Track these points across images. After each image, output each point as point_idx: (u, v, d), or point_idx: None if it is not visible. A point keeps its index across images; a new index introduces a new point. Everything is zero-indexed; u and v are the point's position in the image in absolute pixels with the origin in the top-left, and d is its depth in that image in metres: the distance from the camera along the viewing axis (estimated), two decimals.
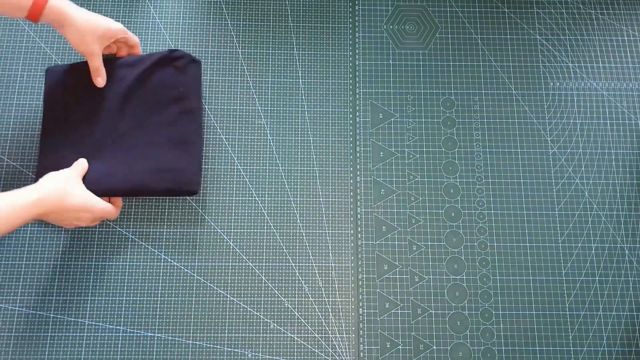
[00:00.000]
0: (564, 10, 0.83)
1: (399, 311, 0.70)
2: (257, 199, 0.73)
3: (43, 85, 0.75)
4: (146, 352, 0.67)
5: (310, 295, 0.70)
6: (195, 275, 0.70)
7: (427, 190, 0.74)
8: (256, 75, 0.78)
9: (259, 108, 0.77)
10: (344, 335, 0.69)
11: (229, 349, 0.68)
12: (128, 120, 0.71)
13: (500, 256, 0.72)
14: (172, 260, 0.71)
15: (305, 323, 0.69)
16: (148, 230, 0.72)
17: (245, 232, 0.72)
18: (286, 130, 0.76)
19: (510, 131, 0.77)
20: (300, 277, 0.71)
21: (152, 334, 0.68)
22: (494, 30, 0.81)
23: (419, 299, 0.71)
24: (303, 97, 0.77)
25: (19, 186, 0.72)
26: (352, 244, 0.72)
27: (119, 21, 0.79)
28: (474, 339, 0.69)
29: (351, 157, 0.75)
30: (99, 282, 0.70)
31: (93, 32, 0.67)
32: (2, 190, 0.72)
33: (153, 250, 0.71)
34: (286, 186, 0.74)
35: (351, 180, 0.75)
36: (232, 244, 0.72)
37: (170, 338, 0.68)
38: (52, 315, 0.68)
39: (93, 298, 0.69)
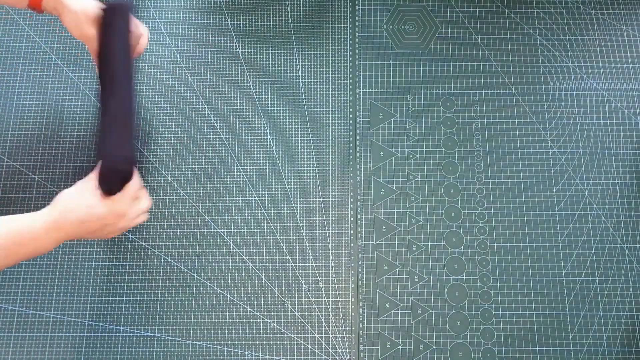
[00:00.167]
0: (564, 10, 0.83)
1: (399, 311, 0.70)
2: (257, 199, 0.73)
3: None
4: (146, 352, 0.67)
5: (310, 295, 0.70)
6: (195, 275, 0.70)
7: (427, 190, 0.74)
8: (256, 75, 0.78)
9: (259, 108, 0.77)
10: (344, 335, 0.69)
11: (229, 349, 0.68)
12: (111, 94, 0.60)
13: (500, 256, 0.72)
14: (172, 260, 0.71)
15: (305, 323, 0.69)
16: (148, 230, 0.72)
17: (245, 232, 0.72)
18: (286, 130, 0.76)
19: (510, 131, 0.77)
20: (300, 277, 0.71)
21: (152, 334, 0.68)
22: (494, 30, 0.81)
23: (419, 299, 0.71)
24: (303, 97, 0.77)
25: (19, 186, 0.72)
26: (352, 244, 0.72)
27: None
28: (474, 339, 0.69)
29: (351, 157, 0.75)
30: (99, 282, 0.70)
31: (86, 15, 0.62)
32: (2, 190, 0.72)
33: (153, 250, 0.71)
34: (286, 186, 0.74)
35: (351, 180, 0.75)
36: (232, 244, 0.72)
37: (170, 338, 0.68)
38: (52, 315, 0.68)
39: (93, 298, 0.69)
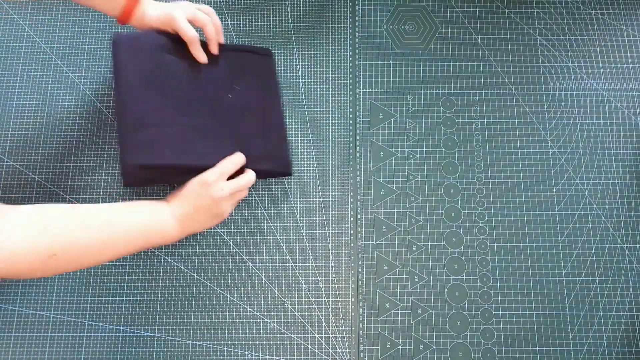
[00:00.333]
0: (564, 10, 0.83)
1: (399, 311, 0.70)
2: (257, 199, 0.73)
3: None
4: (146, 352, 0.67)
5: (310, 295, 0.70)
6: (195, 275, 0.70)
7: (427, 190, 0.74)
8: None
9: None
10: (344, 335, 0.69)
11: (229, 349, 0.68)
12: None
13: (500, 256, 0.72)
14: (172, 260, 0.71)
15: (305, 323, 0.69)
16: None
17: (245, 232, 0.72)
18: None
19: (510, 131, 0.77)
20: (300, 277, 0.71)
21: (152, 334, 0.68)
22: (494, 30, 0.81)
23: (419, 299, 0.71)
24: (303, 97, 0.77)
25: (19, 186, 0.72)
26: (352, 244, 0.72)
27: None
28: (474, 339, 0.69)
29: (351, 157, 0.75)
30: (99, 282, 0.70)
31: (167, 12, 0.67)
32: (2, 190, 0.72)
33: (153, 250, 0.71)
34: (286, 186, 0.74)
35: (351, 180, 0.75)
36: (232, 244, 0.72)
37: (170, 338, 0.68)
38: (52, 315, 0.68)
39: (93, 298, 0.69)
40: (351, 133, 0.76)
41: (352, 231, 0.73)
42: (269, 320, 0.69)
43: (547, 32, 0.81)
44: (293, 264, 0.71)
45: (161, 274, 0.70)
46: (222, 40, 0.73)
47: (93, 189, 0.72)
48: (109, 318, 0.68)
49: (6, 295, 0.68)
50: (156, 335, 0.68)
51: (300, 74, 0.78)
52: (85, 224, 0.54)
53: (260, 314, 0.69)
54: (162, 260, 0.71)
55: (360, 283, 0.71)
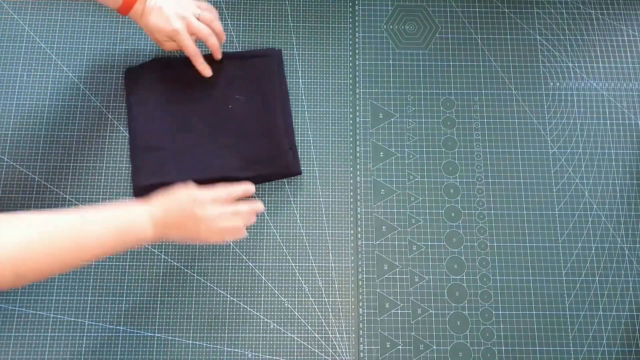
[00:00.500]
0: (564, 10, 0.83)
1: (399, 311, 0.70)
2: (257, 199, 0.73)
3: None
4: (146, 352, 0.67)
5: (310, 295, 0.70)
6: (195, 275, 0.70)
7: (427, 190, 0.74)
8: None
9: None
10: (344, 335, 0.69)
11: (229, 349, 0.68)
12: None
13: (500, 256, 0.72)
14: (172, 260, 0.71)
15: (305, 323, 0.69)
16: None
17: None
18: None
19: (510, 131, 0.77)
20: (300, 277, 0.71)
21: (152, 334, 0.68)
22: (494, 30, 0.81)
23: (419, 299, 0.71)
24: (303, 97, 0.77)
25: (19, 186, 0.72)
26: (352, 244, 0.72)
27: (118, 21, 0.79)
28: (474, 339, 0.69)
29: (351, 157, 0.75)
30: (99, 282, 0.70)
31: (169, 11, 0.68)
32: (2, 190, 0.72)
33: (153, 250, 0.71)
34: (286, 186, 0.74)
35: (351, 180, 0.75)
36: (232, 244, 0.72)
37: (170, 338, 0.68)
38: (52, 315, 0.68)
39: (93, 298, 0.69)
40: (351, 133, 0.76)
41: (352, 231, 0.73)
42: (269, 320, 0.69)
43: (547, 32, 0.81)
44: (293, 264, 0.71)
45: (161, 274, 0.70)
46: (224, 39, 0.75)
47: (93, 189, 0.72)
48: (109, 318, 0.68)
49: (6, 295, 0.68)
50: (156, 335, 0.68)
51: (300, 74, 0.78)
52: (49, 234, 0.51)
53: (260, 314, 0.69)
54: (162, 260, 0.71)
55: (360, 283, 0.71)
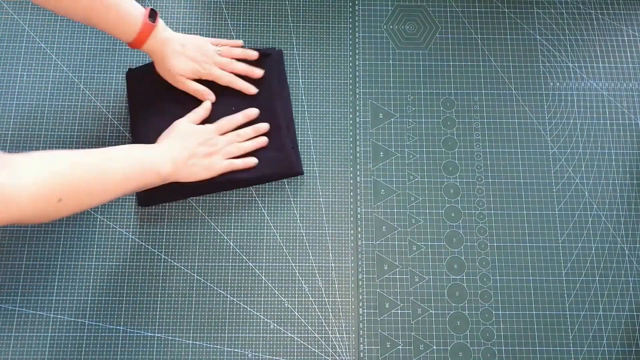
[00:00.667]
0: (564, 10, 0.83)
1: (399, 311, 0.70)
2: (257, 199, 0.73)
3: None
4: (146, 352, 0.67)
5: (310, 295, 0.70)
6: (195, 275, 0.70)
7: (427, 190, 0.74)
8: None
9: None
10: (344, 335, 0.69)
11: (229, 349, 0.68)
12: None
13: (500, 256, 0.72)
14: (172, 260, 0.71)
15: (305, 323, 0.69)
16: (148, 230, 0.72)
17: (245, 232, 0.72)
18: None
19: (510, 131, 0.77)
20: (300, 277, 0.71)
21: (152, 334, 0.68)
22: (494, 30, 0.81)
23: (419, 299, 0.71)
24: (303, 97, 0.77)
25: None
26: (352, 244, 0.72)
27: None
28: (474, 339, 0.69)
29: (351, 157, 0.75)
30: (99, 282, 0.70)
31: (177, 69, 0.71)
32: None
33: (153, 250, 0.71)
34: (286, 186, 0.74)
35: (351, 180, 0.75)
36: (232, 244, 0.72)
37: (170, 338, 0.68)
38: (52, 316, 0.68)
39: (93, 298, 0.69)
40: (351, 133, 0.76)
41: (352, 231, 0.73)
42: (269, 320, 0.69)
43: (547, 32, 0.81)
44: (293, 264, 0.71)
45: (161, 274, 0.70)
46: (253, 57, 0.76)
47: None
48: (109, 318, 0.68)
49: (6, 295, 0.69)
50: (156, 335, 0.68)
51: (300, 74, 0.78)
52: (86, 164, 0.56)
53: (260, 314, 0.69)
54: (162, 260, 0.71)
55: (360, 283, 0.71)
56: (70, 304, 0.69)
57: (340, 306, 0.70)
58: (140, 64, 0.77)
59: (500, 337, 0.70)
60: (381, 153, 0.76)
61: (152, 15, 0.67)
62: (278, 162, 0.72)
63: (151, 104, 0.74)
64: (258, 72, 0.75)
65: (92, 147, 0.74)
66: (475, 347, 0.69)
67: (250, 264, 0.71)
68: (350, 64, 0.79)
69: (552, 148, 0.77)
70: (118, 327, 0.68)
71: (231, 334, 0.68)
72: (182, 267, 0.71)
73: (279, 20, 0.80)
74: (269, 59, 0.76)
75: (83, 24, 0.79)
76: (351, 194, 0.74)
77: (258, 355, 0.68)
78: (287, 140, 0.73)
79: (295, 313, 0.70)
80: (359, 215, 0.73)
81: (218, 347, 0.68)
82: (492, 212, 0.74)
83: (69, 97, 0.76)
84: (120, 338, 0.68)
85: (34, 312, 0.68)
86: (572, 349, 0.69)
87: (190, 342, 0.68)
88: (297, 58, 0.79)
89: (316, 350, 0.68)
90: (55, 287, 0.69)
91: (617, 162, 0.76)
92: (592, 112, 0.78)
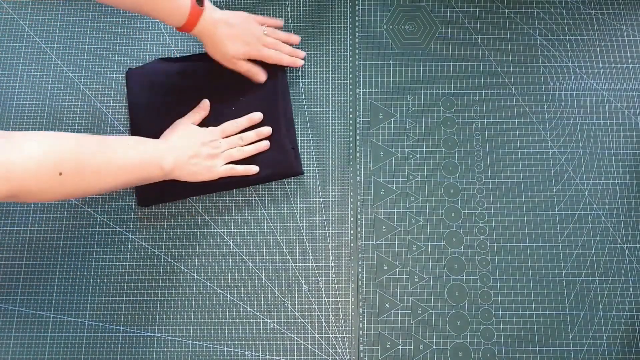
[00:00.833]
0: (564, 10, 0.83)
1: (399, 311, 0.70)
2: (257, 198, 0.73)
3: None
4: (146, 352, 0.67)
5: (310, 295, 0.70)
6: (195, 275, 0.70)
7: (427, 190, 0.74)
8: None
9: None
10: (344, 335, 0.69)
11: (229, 349, 0.68)
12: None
13: (500, 256, 0.72)
14: (172, 260, 0.71)
15: (305, 323, 0.69)
16: (148, 230, 0.72)
17: (245, 232, 0.72)
18: None
19: (510, 131, 0.77)
20: (300, 277, 0.71)
21: (152, 334, 0.68)
22: (494, 30, 0.81)
23: (419, 299, 0.71)
24: (303, 97, 0.77)
25: None
26: (352, 244, 0.72)
27: (119, 21, 0.79)
28: (474, 339, 0.69)
29: (351, 157, 0.75)
30: (99, 282, 0.70)
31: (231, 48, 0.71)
32: None
33: (153, 250, 0.71)
34: (286, 186, 0.74)
35: (351, 180, 0.75)
36: (232, 244, 0.72)
37: (170, 338, 0.68)
38: (52, 315, 0.68)
39: (93, 298, 0.69)
40: (351, 133, 0.76)
41: (352, 231, 0.73)
42: (269, 320, 0.69)
43: (547, 32, 0.81)
44: (293, 264, 0.71)
45: (161, 274, 0.70)
46: (296, 41, 0.78)
47: None
48: (109, 318, 0.68)
49: (6, 295, 0.69)
50: (156, 335, 0.68)
51: (300, 74, 0.78)
52: (89, 143, 0.56)
53: (260, 314, 0.69)
54: (162, 260, 0.71)
55: (360, 283, 0.71)
56: (70, 304, 0.69)
57: (340, 306, 0.70)
58: (140, 64, 0.77)
59: (500, 337, 0.70)
60: (381, 153, 0.76)
61: None
62: (278, 163, 0.72)
63: (151, 104, 0.74)
64: (301, 54, 0.77)
65: None
66: (475, 347, 0.69)
67: (250, 264, 0.71)
68: (350, 64, 0.79)
69: (552, 148, 0.77)
70: (118, 327, 0.68)
71: (231, 334, 0.68)
72: (182, 267, 0.71)
73: None
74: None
75: (84, 24, 0.79)
76: (351, 194, 0.74)
77: (258, 355, 0.68)
78: (287, 141, 0.73)
79: (295, 313, 0.70)
80: (358, 215, 0.73)
81: (218, 347, 0.68)
82: (492, 212, 0.74)
83: (69, 97, 0.76)
84: (120, 338, 0.68)
85: (34, 312, 0.68)
86: (572, 349, 0.69)
87: (190, 342, 0.68)
88: None
89: (316, 350, 0.68)
90: (55, 287, 0.69)
91: (617, 162, 0.76)
92: (592, 112, 0.78)
